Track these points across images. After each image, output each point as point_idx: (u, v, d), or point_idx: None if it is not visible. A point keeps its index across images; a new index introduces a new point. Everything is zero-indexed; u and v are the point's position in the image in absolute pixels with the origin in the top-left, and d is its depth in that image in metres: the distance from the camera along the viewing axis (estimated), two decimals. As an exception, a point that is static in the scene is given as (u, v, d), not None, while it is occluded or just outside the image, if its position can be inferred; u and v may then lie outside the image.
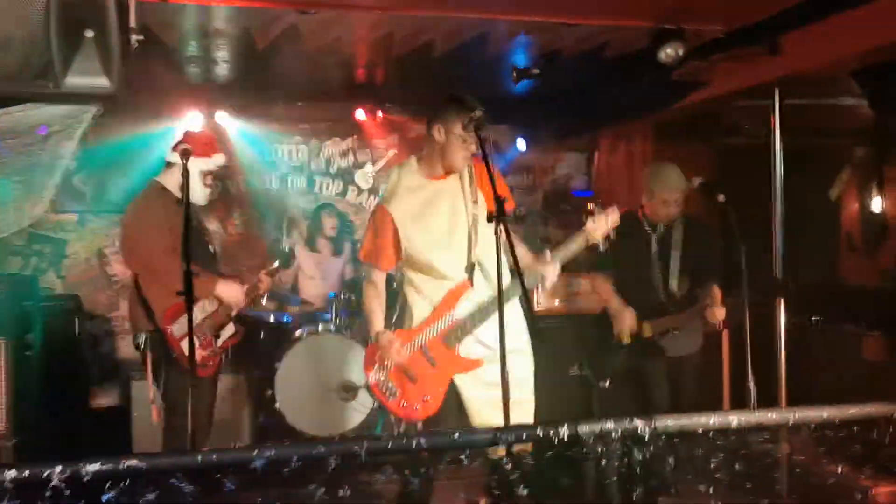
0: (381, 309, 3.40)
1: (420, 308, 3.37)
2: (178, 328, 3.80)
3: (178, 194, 3.82)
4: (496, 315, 3.04)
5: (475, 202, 3.29)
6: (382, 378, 3.32)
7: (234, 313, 4.13)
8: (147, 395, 3.99)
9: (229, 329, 4.15)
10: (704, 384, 4.75)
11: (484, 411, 3.24)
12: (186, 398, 3.63)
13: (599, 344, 4.49)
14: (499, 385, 3.09)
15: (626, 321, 4.24)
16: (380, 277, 3.43)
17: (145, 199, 4.01)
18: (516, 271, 2.80)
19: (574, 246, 3.31)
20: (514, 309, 3.28)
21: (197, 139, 4.05)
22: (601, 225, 3.28)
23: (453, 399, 3.29)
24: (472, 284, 3.24)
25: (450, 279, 3.28)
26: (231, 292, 4.02)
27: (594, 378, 4.69)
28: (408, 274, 3.41)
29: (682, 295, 4.37)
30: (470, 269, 3.24)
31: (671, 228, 4.38)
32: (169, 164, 4.01)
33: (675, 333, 4.30)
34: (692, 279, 4.38)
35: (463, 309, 3.26)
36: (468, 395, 3.28)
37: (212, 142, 4.14)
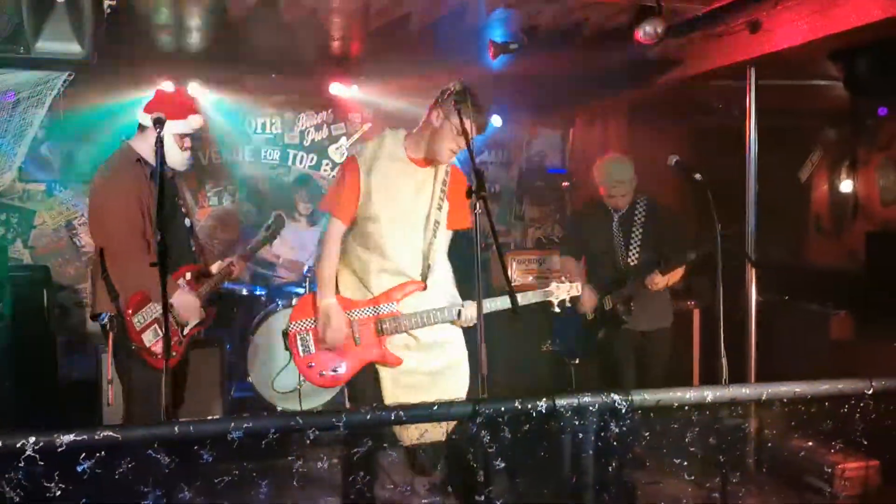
0: (334, 272, 3.30)
1: (347, 285, 3.32)
2: (140, 319, 3.56)
3: (152, 160, 3.60)
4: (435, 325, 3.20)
5: (439, 208, 3.26)
6: (304, 331, 3.31)
7: (204, 296, 3.78)
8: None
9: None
10: (675, 360, 4.82)
11: (398, 394, 3.25)
12: (148, 391, 3.51)
13: (568, 321, 4.59)
14: (421, 372, 3.23)
15: (585, 303, 4.44)
16: (339, 231, 3.30)
17: (114, 165, 3.73)
18: (495, 245, 2.77)
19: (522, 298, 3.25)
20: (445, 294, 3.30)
21: (171, 100, 3.79)
22: (562, 293, 3.43)
23: (369, 377, 3.29)
24: (425, 287, 3.24)
25: (396, 269, 3.24)
26: (186, 304, 3.66)
27: (565, 355, 4.76)
28: (354, 248, 3.32)
29: (643, 272, 4.46)
30: (426, 270, 3.24)
31: (633, 210, 4.54)
32: (142, 128, 3.70)
33: (632, 306, 4.42)
34: (655, 254, 4.49)
35: (407, 305, 3.24)
36: (384, 376, 3.28)
37: (188, 102, 3.84)
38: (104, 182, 3.71)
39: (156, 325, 3.58)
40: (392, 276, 3.25)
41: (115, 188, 3.65)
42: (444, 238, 3.31)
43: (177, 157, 3.70)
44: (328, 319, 3.23)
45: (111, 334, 3.61)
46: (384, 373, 3.27)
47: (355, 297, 3.29)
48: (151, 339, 3.57)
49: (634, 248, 4.51)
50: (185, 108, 3.72)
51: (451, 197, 3.28)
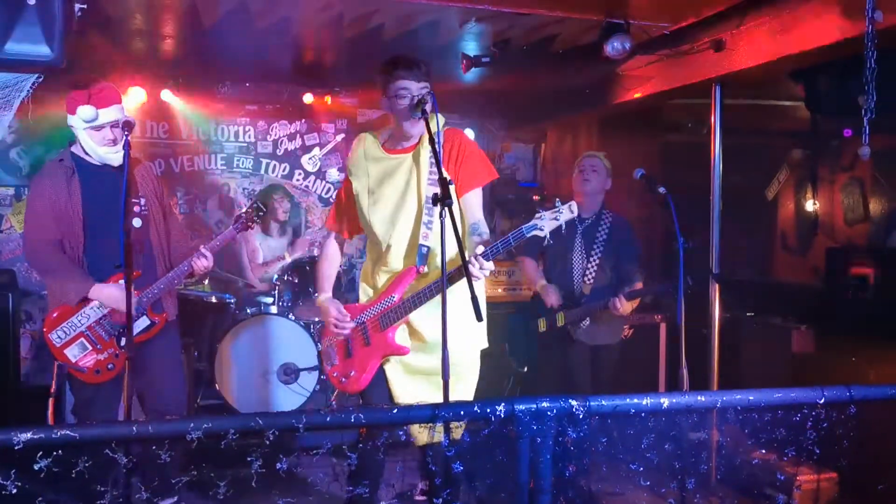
0: (331, 273, 3.44)
1: (363, 293, 3.37)
2: (59, 336, 3.50)
3: (86, 158, 3.56)
4: (434, 303, 3.02)
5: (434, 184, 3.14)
6: (330, 345, 3.40)
7: (149, 300, 3.60)
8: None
9: (142, 322, 3.61)
10: (638, 374, 4.87)
11: (406, 399, 3.21)
12: (86, 407, 3.52)
13: (523, 331, 4.63)
14: (426, 372, 3.17)
15: (551, 297, 4.48)
16: (333, 241, 3.47)
17: (40, 170, 3.63)
18: (461, 256, 2.75)
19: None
20: (459, 298, 3.00)
21: (71, 95, 3.50)
22: (546, 221, 2.99)
23: (383, 383, 3.25)
24: (418, 271, 3.16)
25: (393, 267, 3.22)
26: (110, 296, 3.49)
27: (515, 363, 4.79)
28: (365, 261, 3.42)
29: (600, 287, 4.50)
30: (421, 253, 3.13)
31: (598, 223, 4.53)
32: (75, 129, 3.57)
33: (586, 324, 4.46)
34: (612, 273, 4.54)
35: (405, 293, 3.19)
36: (394, 381, 3.25)
37: (81, 94, 3.48)
38: (30, 190, 3.67)
39: (83, 339, 3.50)
40: (389, 273, 3.25)
41: (33, 195, 3.60)
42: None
43: (99, 152, 3.52)
44: (326, 312, 3.32)
45: None
46: (392, 375, 3.25)
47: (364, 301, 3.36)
48: (77, 354, 3.50)
49: (593, 264, 4.50)
50: (76, 100, 3.47)
51: (449, 161, 3.14)
